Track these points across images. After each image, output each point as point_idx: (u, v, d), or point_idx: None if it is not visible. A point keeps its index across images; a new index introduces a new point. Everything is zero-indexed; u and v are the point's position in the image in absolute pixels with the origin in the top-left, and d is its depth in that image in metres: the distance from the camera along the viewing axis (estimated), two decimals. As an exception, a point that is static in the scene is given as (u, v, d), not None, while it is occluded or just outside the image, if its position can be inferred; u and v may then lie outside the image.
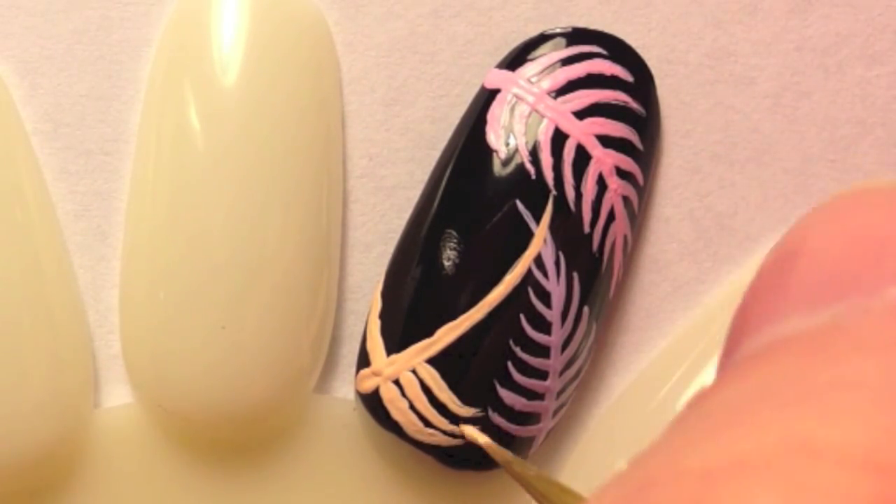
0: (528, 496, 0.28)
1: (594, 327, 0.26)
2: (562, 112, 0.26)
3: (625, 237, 0.26)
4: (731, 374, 0.12)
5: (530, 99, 0.26)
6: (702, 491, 0.10)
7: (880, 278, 0.12)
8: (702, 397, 0.12)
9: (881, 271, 0.12)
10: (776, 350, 0.12)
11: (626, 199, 0.26)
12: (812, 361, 0.11)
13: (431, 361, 0.25)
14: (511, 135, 0.26)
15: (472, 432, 0.25)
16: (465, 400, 0.25)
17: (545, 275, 0.25)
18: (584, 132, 0.26)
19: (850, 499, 0.10)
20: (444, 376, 0.25)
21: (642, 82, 0.27)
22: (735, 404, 0.11)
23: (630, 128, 0.26)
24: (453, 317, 0.25)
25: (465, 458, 0.26)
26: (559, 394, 0.26)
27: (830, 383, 0.11)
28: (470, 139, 0.26)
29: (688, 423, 0.12)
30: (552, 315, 0.25)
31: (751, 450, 0.11)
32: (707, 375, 0.27)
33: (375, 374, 0.26)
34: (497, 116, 0.26)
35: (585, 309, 0.26)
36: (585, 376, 0.27)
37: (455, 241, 0.26)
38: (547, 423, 0.26)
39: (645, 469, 0.11)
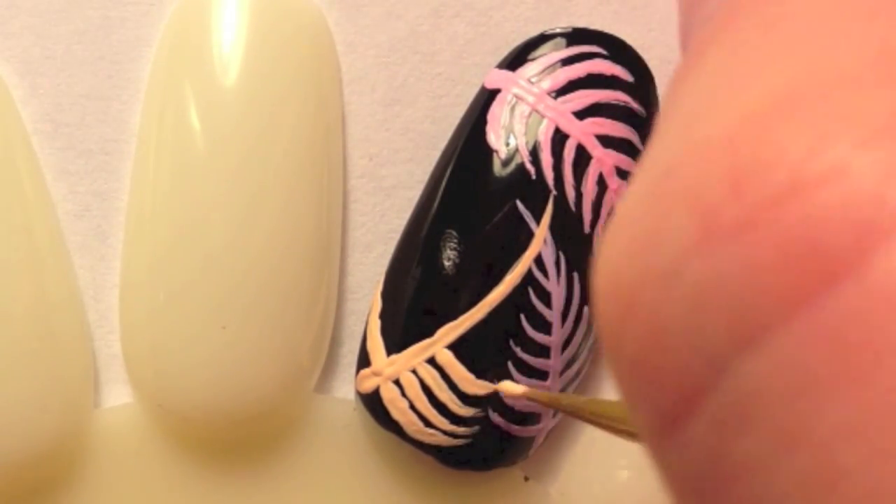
0: (525, 494, 0.28)
1: (595, 328, 0.26)
2: (562, 112, 0.26)
3: (625, 237, 0.26)
4: (701, 43, 0.12)
5: (530, 99, 0.26)
6: (737, 148, 0.10)
7: None
8: (685, 70, 0.12)
9: None
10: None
11: (626, 200, 0.26)
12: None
13: (431, 361, 0.25)
14: (511, 135, 0.26)
15: (509, 386, 0.25)
16: (466, 400, 0.25)
17: (545, 275, 0.25)
18: (584, 132, 0.26)
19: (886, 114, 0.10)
20: (445, 376, 0.25)
21: (642, 82, 0.27)
22: (730, 63, 0.11)
23: (630, 128, 0.26)
24: (453, 317, 0.25)
25: (465, 458, 0.26)
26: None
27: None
28: (470, 139, 0.26)
29: (683, 98, 0.12)
30: (552, 315, 0.25)
31: (773, 92, 0.10)
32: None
33: (376, 374, 0.26)
34: (497, 116, 0.26)
35: (586, 309, 0.26)
36: (585, 376, 0.27)
37: (455, 241, 0.26)
38: (547, 423, 0.26)
39: (665, 150, 0.11)
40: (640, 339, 0.11)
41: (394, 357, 0.26)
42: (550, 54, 0.26)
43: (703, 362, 0.10)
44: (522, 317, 0.25)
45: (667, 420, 0.11)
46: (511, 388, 0.25)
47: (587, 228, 0.26)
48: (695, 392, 0.11)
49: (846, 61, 0.10)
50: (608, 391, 0.28)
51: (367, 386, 0.26)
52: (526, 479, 0.28)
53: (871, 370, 0.10)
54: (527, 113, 0.26)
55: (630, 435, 0.20)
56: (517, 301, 0.25)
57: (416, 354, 0.26)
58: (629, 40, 0.27)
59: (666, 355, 0.11)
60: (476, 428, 0.26)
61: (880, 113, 0.10)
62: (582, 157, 0.26)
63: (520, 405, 0.26)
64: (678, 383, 0.11)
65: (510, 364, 0.25)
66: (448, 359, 0.25)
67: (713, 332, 0.10)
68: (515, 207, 0.25)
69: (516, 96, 0.26)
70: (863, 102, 0.10)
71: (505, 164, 0.26)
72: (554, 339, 0.26)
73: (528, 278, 0.25)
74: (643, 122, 0.27)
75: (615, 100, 0.26)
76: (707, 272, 0.10)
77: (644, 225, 0.11)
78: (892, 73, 0.10)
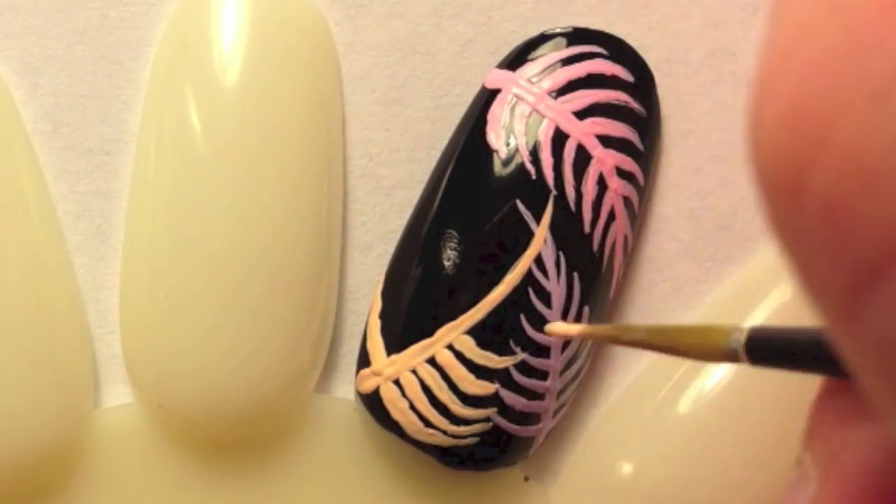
0: (525, 494, 0.28)
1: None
2: (562, 112, 0.26)
3: (625, 237, 0.26)
4: None
5: (531, 99, 0.26)
6: None
7: None
8: None
9: None
10: None
11: (626, 199, 0.26)
12: None
13: (432, 361, 0.25)
14: (511, 135, 0.26)
15: (559, 326, 0.24)
16: (466, 400, 0.25)
17: (545, 275, 0.25)
18: (584, 132, 0.26)
19: None
20: (445, 376, 0.25)
21: (642, 82, 0.27)
22: None
23: (630, 128, 0.26)
24: (453, 317, 0.25)
25: (465, 459, 0.26)
26: (559, 394, 0.26)
27: None
28: (470, 139, 0.26)
29: None
30: (552, 315, 0.25)
31: None
32: (707, 375, 0.27)
33: (376, 374, 0.26)
34: (497, 116, 0.26)
35: (586, 309, 0.26)
36: (585, 376, 0.27)
37: (455, 241, 0.26)
38: (547, 423, 0.26)
39: None
40: (838, 178, 0.09)
41: (394, 357, 0.26)
42: (550, 54, 0.26)
43: None
44: (522, 317, 0.25)
45: (871, 273, 0.09)
46: (563, 328, 0.24)
47: (587, 228, 0.26)
48: None
49: None
50: (608, 390, 0.28)
51: (367, 386, 0.26)
52: (526, 479, 0.28)
53: None
54: (527, 113, 0.26)
55: (698, 356, 0.20)
56: (517, 301, 0.25)
57: (416, 354, 0.25)
58: (629, 40, 0.27)
59: (872, 195, 0.09)
60: (476, 428, 0.26)
61: None
62: (582, 157, 0.26)
63: (520, 405, 0.26)
64: (887, 227, 0.09)
65: (511, 364, 0.25)
66: (448, 359, 0.25)
67: None
68: (515, 207, 0.25)
69: (516, 96, 0.26)
70: None
71: (505, 163, 0.26)
72: (554, 340, 0.25)
73: (528, 278, 0.25)
74: (643, 122, 0.27)
75: (615, 100, 0.26)
76: None
77: (836, 38, 0.09)
78: None
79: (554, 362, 0.26)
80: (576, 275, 0.26)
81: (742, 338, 0.18)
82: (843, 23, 0.09)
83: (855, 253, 0.09)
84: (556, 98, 0.26)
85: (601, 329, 0.24)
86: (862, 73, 0.09)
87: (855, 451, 0.14)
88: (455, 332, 0.25)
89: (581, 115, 0.26)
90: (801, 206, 0.10)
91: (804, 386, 0.18)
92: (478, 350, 0.25)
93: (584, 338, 0.24)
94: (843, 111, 0.09)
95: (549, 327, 0.24)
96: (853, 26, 0.09)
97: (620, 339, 0.23)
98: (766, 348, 0.18)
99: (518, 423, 0.26)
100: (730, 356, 0.18)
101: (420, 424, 0.26)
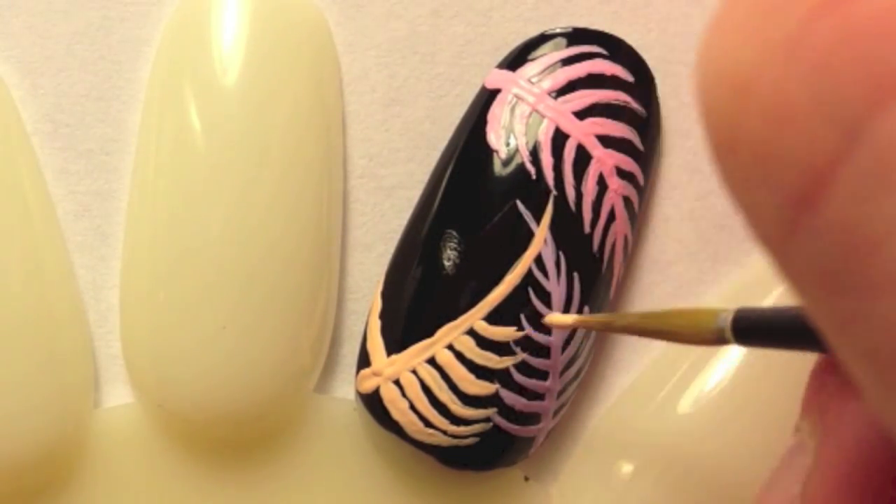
0: (525, 494, 0.28)
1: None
2: (562, 112, 0.26)
3: (625, 237, 0.26)
4: None
5: (531, 99, 0.26)
6: None
7: None
8: None
9: None
10: None
11: (626, 200, 0.26)
12: None
13: (432, 361, 0.25)
14: (511, 135, 0.26)
15: (557, 318, 0.25)
16: (466, 400, 0.25)
17: (545, 275, 0.25)
18: (584, 132, 0.26)
19: None
20: (445, 377, 0.25)
21: (642, 82, 0.27)
22: None
23: (630, 128, 0.26)
24: (453, 317, 0.25)
25: (465, 459, 0.26)
26: (559, 394, 0.26)
27: None
28: (470, 139, 0.26)
29: None
30: (552, 315, 0.25)
31: None
32: (707, 375, 0.27)
33: (376, 374, 0.26)
34: (497, 116, 0.26)
35: (586, 309, 0.26)
36: (585, 376, 0.27)
37: (455, 241, 0.26)
38: (547, 423, 0.26)
39: None
40: (765, 118, 0.10)
41: (394, 357, 0.26)
42: (550, 54, 0.26)
43: (838, 130, 0.10)
44: (523, 317, 0.25)
45: (798, 202, 0.10)
46: (560, 319, 0.25)
47: (587, 228, 0.26)
48: (829, 164, 0.10)
49: None
50: (608, 390, 0.28)
51: (367, 386, 0.26)
52: (526, 479, 0.28)
53: None
54: (527, 113, 0.26)
55: (688, 338, 0.20)
56: (518, 301, 0.25)
57: (416, 354, 0.26)
58: (629, 40, 0.27)
59: (795, 130, 0.10)
60: (476, 428, 0.26)
61: None
62: (582, 157, 0.26)
63: (520, 405, 0.26)
64: (811, 158, 0.10)
65: (511, 364, 0.25)
66: (448, 359, 0.25)
67: (847, 97, 0.10)
68: (515, 207, 0.25)
69: (516, 96, 0.26)
70: None
71: (505, 164, 0.26)
72: (554, 340, 0.25)
73: (529, 278, 0.25)
74: (644, 122, 0.27)
75: (615, 100, 0.26)
76: (835, 33, 0.10)
77: None
78: None
79: (554, 362, 0.26)
80: (576, 275, 0.26)
81: (729, 317, 0.18)
82: None
83: (784, 188, 0.11)
84: (556, 98, 0.26)
85: (595, 318, 0.24)
86: (777, 27, 0.10)
87: (850, 424, 0.14)
88: (455, 332, 0.25)
89: (581, 115, 0.26)
90: (737, 150, 0.11)
91: (804, 385, 0.18)
92: (478, 350, 0.25)
93: (579, 327, 0.25)
94: (763, 63, 0.10)
95: (547, 319, 0.24)
96: None
97: (614, 325, 0.23)
98: (753, 328, 0.18)
99: (518, 423, 0.26)
100: (718, 337, 0.19)
101: (420, 424, 0.26)
